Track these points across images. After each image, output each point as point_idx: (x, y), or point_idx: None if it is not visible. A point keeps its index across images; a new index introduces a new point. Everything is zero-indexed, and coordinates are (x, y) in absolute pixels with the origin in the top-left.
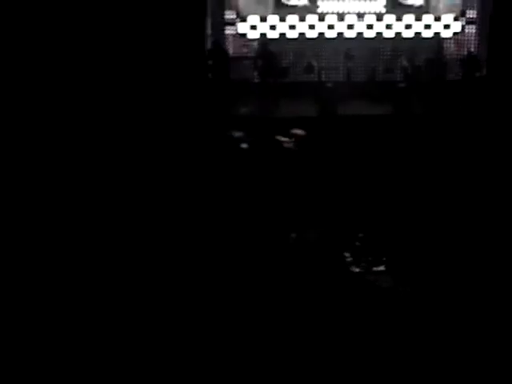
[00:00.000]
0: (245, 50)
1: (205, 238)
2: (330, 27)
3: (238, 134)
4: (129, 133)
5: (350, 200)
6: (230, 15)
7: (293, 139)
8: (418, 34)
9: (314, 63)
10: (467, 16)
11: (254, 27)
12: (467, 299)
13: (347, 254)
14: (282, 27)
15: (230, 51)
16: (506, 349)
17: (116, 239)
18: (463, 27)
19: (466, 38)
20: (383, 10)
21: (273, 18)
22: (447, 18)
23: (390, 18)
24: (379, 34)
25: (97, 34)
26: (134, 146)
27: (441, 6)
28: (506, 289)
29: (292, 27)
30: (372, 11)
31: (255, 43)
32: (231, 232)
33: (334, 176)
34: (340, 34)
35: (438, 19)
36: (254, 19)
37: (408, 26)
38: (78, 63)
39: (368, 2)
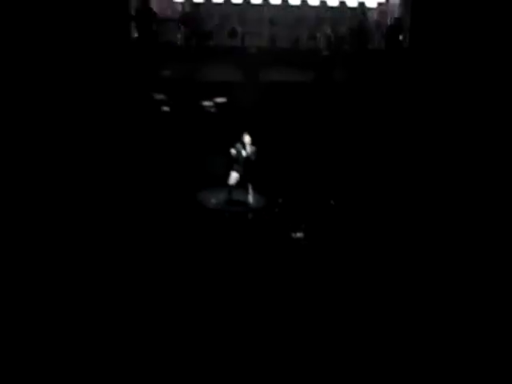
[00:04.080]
0: (170, 12)
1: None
2: None
3: (160, 96)
4: (51, 94)
5: (269, 167)
6: None
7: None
8: (342, 2)
9: (239, 28)
10: None
11: None
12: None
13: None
14: None
15: (155, 12)
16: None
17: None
18: None
19: (390, 8)
20: None
21: None
22: None
23: None
24: (304, 1)
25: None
26: (58, 106)
27: None
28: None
29: None
30: None
31: (180, 5)
32: (149, 196)
33: (254, 142)
34: (265, 0)
35: None
36: None
37: None
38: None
39: None
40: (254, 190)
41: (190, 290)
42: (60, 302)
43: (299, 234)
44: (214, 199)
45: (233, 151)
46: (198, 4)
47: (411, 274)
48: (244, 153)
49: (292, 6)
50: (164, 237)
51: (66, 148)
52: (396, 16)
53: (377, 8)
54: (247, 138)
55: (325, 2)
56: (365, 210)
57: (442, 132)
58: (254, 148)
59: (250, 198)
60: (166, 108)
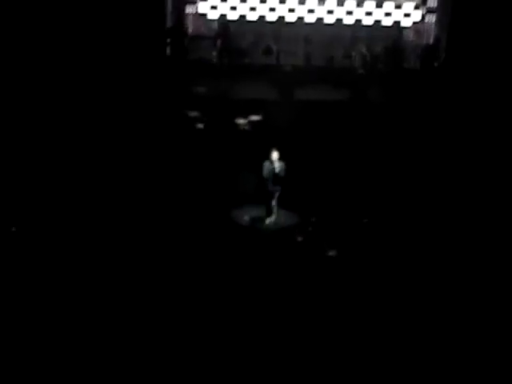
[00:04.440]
0: (204, 30)
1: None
2: (291, 11)
3: (194, 113)
4: (86, 108)
5: (303, 185)
6: None
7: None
8: (377, 21)
9: (273, 46)
10: (428, 5)
11: (214, 7)
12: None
13: (300, 239)
14: (243, 9)
15: (190, 30)
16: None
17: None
18: (423, 16)
19: (426, 28)
20: None
21: None
22: (408, 7)
23: (350, 5)
24: (339, 19)
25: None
26: (90, 121)
27: None
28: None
29: (252, 9)
30: None
31: (215, 23)
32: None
33: (288, 160)
34: (300, 19)
35: (398, 7)
36: None
37: (368, 13)
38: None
39: None
40: (287, 207)
41: (221, 305)
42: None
43: (332, 253)
44: (247, 216)
45: (264, 169)
46: (233, 22)
47: (449, 295)
48: (272, 169)
49: (327, 25)
50: (197, 253)
51: (100, 162)
52: (432, 36)
53: (412, 27)
54: (275, 155)
55: (360, 21)
56: (399, 229)
57: (479, 153)
58: (282, 164)
59: (274, 217)
60: (200, 125)
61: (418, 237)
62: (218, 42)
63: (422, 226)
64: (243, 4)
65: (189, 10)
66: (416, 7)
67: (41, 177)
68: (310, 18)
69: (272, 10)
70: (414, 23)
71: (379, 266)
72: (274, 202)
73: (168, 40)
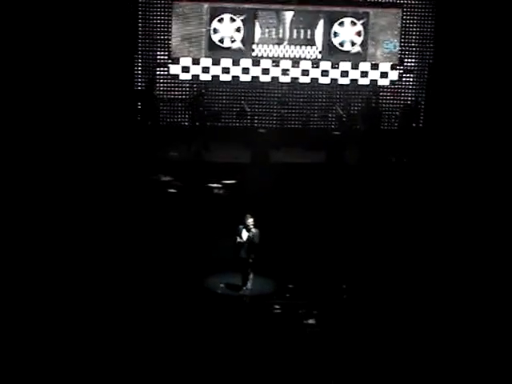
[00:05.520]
0: (176, 92)
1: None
2: (265, 72)
3: (166, 178)
4: (55, 173)
5: (279, 251)
6: (161, 56)
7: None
8: (354, 81)
9: (247, 108)
10: (405, 65)
11: (186, 69)
12: None
13: (277, 306)
14: (215, 70)
15: (161, 93)
16: None
17: None
18: (401, 76)
19: (404, 87)
20: (319, 56)
21: (206, 61)
22: (384, 66)
23: (325, 65)
24: (314, 79)
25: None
26: (60, 186)
27: (378, 53)
28: None
29: (225, 70)
30: (308, 57)
31: (187, 85)
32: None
33: (263, 226)
34: (274, 79)
35: (375, 67)
36: (186, 61)
37: (344, 73)
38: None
39: (304, 47)
40: (264, 274)
41: (194, 376)
42: None
43: (311, 321)
44: (222, 284)
45: (240, 235)
46: (206, 83)
47: (430, 364)
48: (246, 236)
49: (302, 84)
50: (170, 322)
51: (70, 230)
52: (409, 94)
53: (389, 86)
54: (250, 220)
55: (336, 80)
56: (377, 293)
57: (459, 215)
58: (256, 231)
59: (249, 284)
60: (172, 190)
61: (398, 301)
62: (191, 104)
63: (402, 289)
64: (216, 66)
65: (160, 71)
66: (393, 67)
67: None
68: (284, 79)
69: (245, 70)
70: (392, 83)
71: (360, 334)
72: (249, 270)
73: (138, 103)
